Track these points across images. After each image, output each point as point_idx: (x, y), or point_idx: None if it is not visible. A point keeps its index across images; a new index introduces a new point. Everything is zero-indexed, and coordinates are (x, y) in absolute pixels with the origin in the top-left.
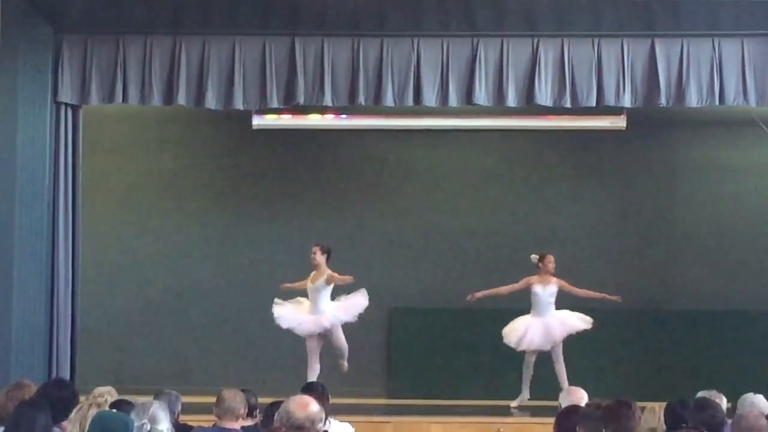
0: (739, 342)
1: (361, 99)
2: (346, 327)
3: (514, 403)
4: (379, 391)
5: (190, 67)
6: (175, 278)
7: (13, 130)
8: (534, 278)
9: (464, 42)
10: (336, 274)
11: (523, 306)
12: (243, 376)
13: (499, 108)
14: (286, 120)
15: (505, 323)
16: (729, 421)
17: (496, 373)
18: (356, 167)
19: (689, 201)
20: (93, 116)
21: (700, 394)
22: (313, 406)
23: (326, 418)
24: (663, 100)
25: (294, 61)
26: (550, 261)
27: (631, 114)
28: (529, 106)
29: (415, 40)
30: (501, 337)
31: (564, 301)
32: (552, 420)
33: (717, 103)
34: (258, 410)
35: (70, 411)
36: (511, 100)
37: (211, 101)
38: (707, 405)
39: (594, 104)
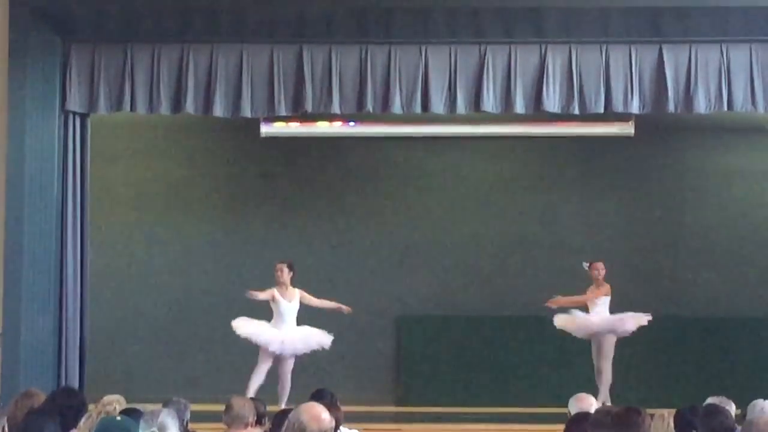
0: (749, 348)
1: (369, 106)
2: (355, 333)
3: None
4: (388, 399)
5: (197, 76)
6: (184, 286)
7: (22, 138)
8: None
9: (472, 49)
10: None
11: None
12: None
13: (507, 115)
14: (294, 128)
15: (513, 332)
16: (738, 428)
17: (505, 380)
18: (364, 175)
19: (698, 207)
20: (101, 125)
21: (709, 400)
22: (325, 416)
23: (337, 428)
24: (671, 107)
25: (302, 69)
26: (597, 267)
27: (640, 120)
28: (537, 113)
29: (423, 48)
30: (509, 344)
31: None
32: (560, 427)
33: (725, 109)
34: (267, 418)
35: (79, 419)
36: (519, 107)
37: (219, 109)
38: (716, 411)
39: (602, 111)
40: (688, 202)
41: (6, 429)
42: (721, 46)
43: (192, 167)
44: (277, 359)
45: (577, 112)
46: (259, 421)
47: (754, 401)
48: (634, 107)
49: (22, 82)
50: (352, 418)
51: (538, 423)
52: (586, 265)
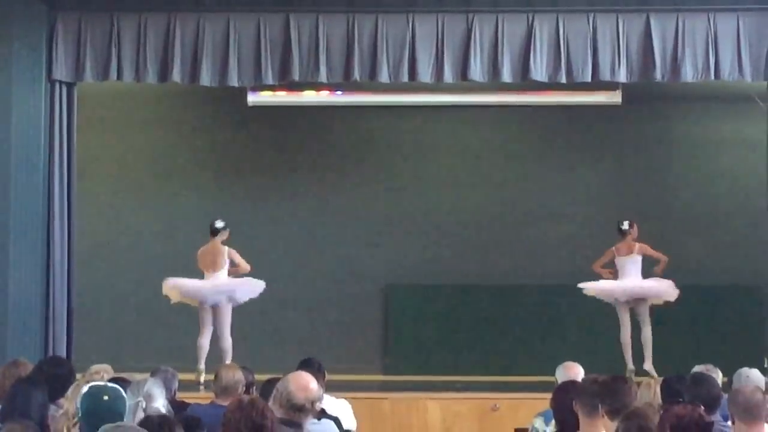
0: (735, 316)
1: (356, 75)
2: (342, 302)
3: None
4: (376, 368)
5: (184, 44)
6: (171, 256)
7: (8, 108)
8: (615, 247)
9: (459, 18)
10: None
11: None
12: (240, 352)
13: (494, 84)
14: (281, 97)
15: (500, 300)
16: (725, 395)
17: (492, 348)
18: (351, 144)
19: (684, 176)
20: (88, 94)
21: (696, 368)
22: (313, 386)
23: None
24: (658, 75)
25: (289, 38)
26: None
27: (627, 89)
28: (524, 81)
29: (410, 16)
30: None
31: None
32: (547, 395)
33: (712, 78)
34: (255, 387)
35: (67, 389)
36: (507, 75)
37: (206, 78)
38: (703, 379)
39: (589, 80)
40: (675, 171)
41: None
42: (708, 15)
43: (178, 136)
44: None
45: (564, 80)
46: (247, 390)
47: (740, 369)
48: (622, 76)
49: (8, 51)
50: (339, 387)
51: (525, 392)
52: (626, 224)
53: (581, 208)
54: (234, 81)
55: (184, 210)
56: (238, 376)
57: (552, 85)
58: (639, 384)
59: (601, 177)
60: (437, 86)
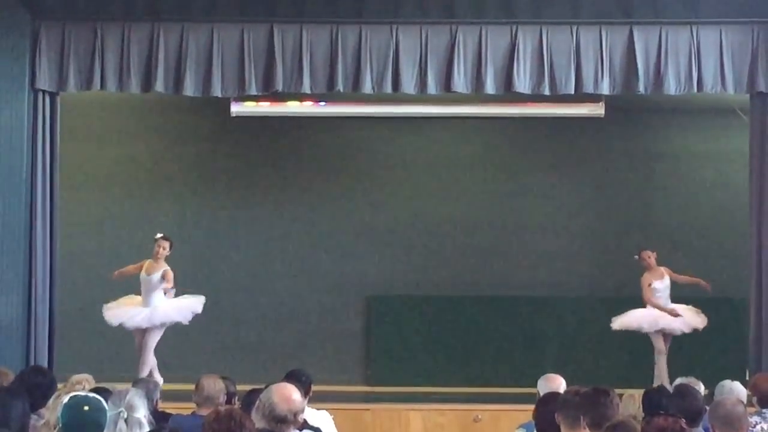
0: (717, 329)
1: (340, 86)
2: (324, 313)
3: None
4: (358, 379)
5: (168, 55)
6: None
7: None
8: (648, 276)
9: (443, 29)
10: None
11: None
12: (221, 363)
13: (477, 95)
14: (265, 107)
15: (483, 310)
16: (707, 408)
17: (474, 360)
18: (334, 154)
19: (667, 188)
20: (71, 103)
21: (678, 380)
22: (296, 397)
23: None
24: (641, 88)
25: (272, 49)
26: (648, 255)
27: (610, 101)
28: (507, 93)
29: (394, 28)
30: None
31: None
32: (529, 407)
33: (695, 90)
34: (237, 398)
35: (48, 398)
36: (490, 87)
37: (190, 88)
38: (686, 392)
39: (572, 92)
40: (657, 183)
41: None
42: (691, 28)
43: (162, 147)
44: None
45: (547, 92)
46: (229, 401)
47: (722, 382)
48: (605, 88)
49: None
50: (321, 398)
51: (507, 403)
52: (636, 257)
53: (564, 220)
54: (217, 91)
55: (167, 220)
56: (219, 386)
57: (535, 97)
58: (621, 396)
59: (584, 189)
60: (421, 97)
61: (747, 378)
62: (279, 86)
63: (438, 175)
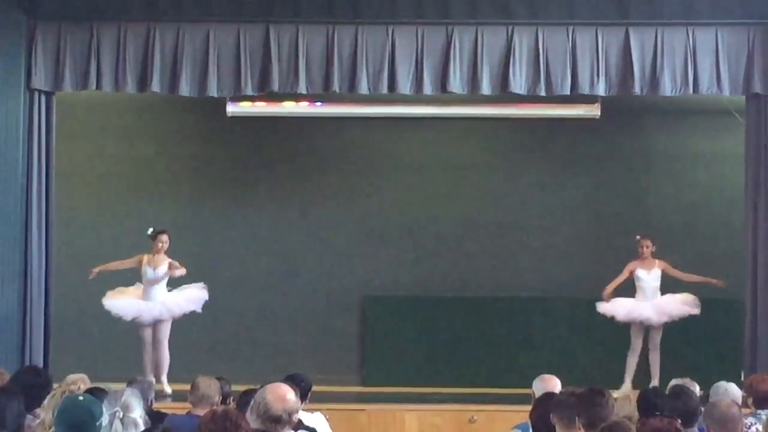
0: (713, 330)
1: (336, 86)
2: (320, 313)
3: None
4: (353, 379)
5: (164, 55)
6: None
7: None
8: (635, 263)
9: (439, 30)
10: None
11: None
12: (216, 363)
13: (473, 96)
14: (261, 107)
15: (477, 313)
16: (702, 409)
17: (470, 360)
18: (330, 155)
19: (663, 189)
20: (67, 103)
21: (673, 381)
22: (290, 397)
23: None
24: (637, 89)
25: (268, 49)
26: (645, 245)
27: (605, 102)
28: (503, 94)
29: (390, 28)
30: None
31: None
32: (524, 408)
33: (691, 91)
34: (232, 398)
35: (44, 398)
36: (486, 88)
37: (186, 88)
38: (682, 392)
39: (568, 92)
40: (653, 184)
41: None
42: (687, 29)
43: (158, 146)
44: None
45: (543, 93)
46: (224, 401)
47: (717, 383)
48: (601, 89)
49: None
50: (316, 399)
51: (502, 404)
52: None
53: (559, 220)
54: (213, 91)
55: (163, 220)
56: (215, 386)
57: (531, 98)
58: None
59: (580, 190)
60: (416, 98)
61: (742, 379)
62: (275, 86)
63: (433, 176)
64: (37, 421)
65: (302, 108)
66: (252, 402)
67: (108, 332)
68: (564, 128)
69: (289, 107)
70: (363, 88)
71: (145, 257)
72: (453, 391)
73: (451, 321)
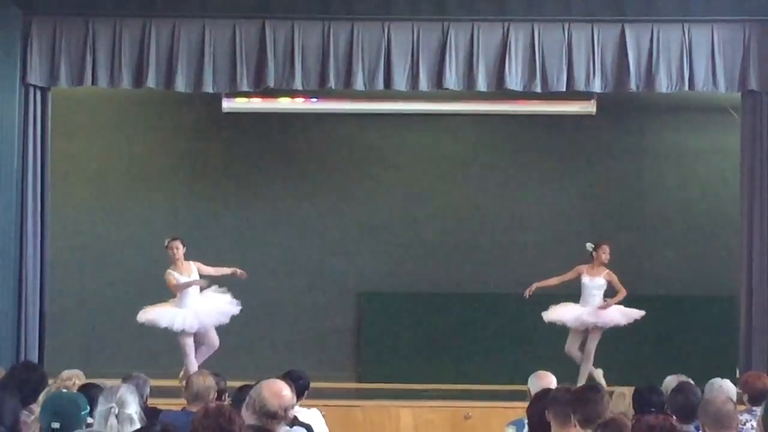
0: (708, 327)
1: (332, 83)
2: (315, 310)
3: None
4: (349, 376)
5: (159, 50)
6: (144, 262)
7: None
8: (584, 267)
9: (435, 26)
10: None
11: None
12: (212, 360)
13: (469, 92)
14: (256, 103)
15: (473, 309)
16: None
17: (465, 357)
18: (326, 151)
19: (658, 186)
20: (62, 99)
21: (668, 378)
22: (286, 393)
23: None
24: (633, 86)
25: (264, 45)
26: (604, 251)
27: (601, 99)
28: (499, 90)
29: (386, 24)
30: (469, 322)
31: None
32: (519, 404)
33: (686, 88)
34: (227, 394)
35: (39, 394)
36: (482, 84)
37: (181, 84)
38: (683, 389)
39: (564, 89)
40: (648, 181)
41: None
42: (683, 26)
43: (153, 142)
44: (196, 336)
45: (539, 90)
46: (219, 397)
47: (712, 380)
48: (596, 86)
49: None
50: (312, 395)
51: (498, 401)
52: (590, 246)
53: (555, 217)
54: (209, 87)
55: (158, 216)
56: (209, 382)
57: (527, 95)
58: (611, 393)
59: (575, 186)
60: (412, 94)
61: (737, 376)
62: (270, 82)
63: (429, 172)
64: (32, 417)
65: (298, 104)
66: (248, 398)
67: (103, 328)
68: (560, 125)
69: (284, 103)
70: (359, 84)
71: (172, 272)
72: (448, 388)
73: (447, 317)
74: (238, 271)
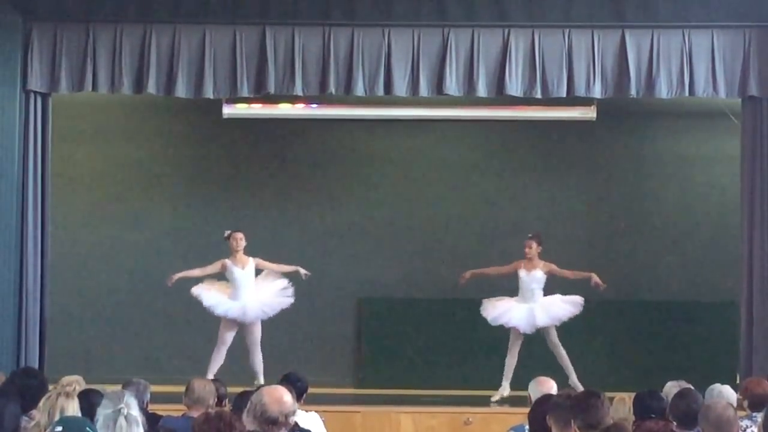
0: (708, 332)
1: (332, 88)
2: (316, 315)
3: (494, 397)
4: (349, 381)
5: (160, 56)
6: (144, 267)
7: None
8: (521, 262)
9: (435, 32)
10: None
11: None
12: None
13: (469, 98)
14: (257, 109)
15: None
16: None
17: (465, 362)
18: (326, 157)
19: (658, 191)
20: (63, 105)
21: (668, 384)
22: (287, 399)
23: None
24: (633, 91)
25: (264, 50)
26: (528, 245)
27: (601, 105)
28: (499, 96)
29: (386, 30)
30: (470, 327)
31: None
32: (520, 410)
33: (687, 94)
34: (227, 399)
35: (39, 400)
36: (482, 90)
37: (182, 90)
38: (686, 394)
39: (564, 95)
40: (649, 187)
41: None
42: (683, 32)
43: (154, 148)
44: (242, 328)
45: (539, 96)
46: (219, 403)
47: (712, 385)
48: (597, 92)
49: None
50: (312, 400)
51: (498, 406)
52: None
53: (555, 223)
54: (209, 93)
55: (159, 221)
56: (210, 388)
57: (527, 100)
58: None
59: (576, 192)
60: (413, 100)
61: (737, 382)
62: (271, 88)
63: (430, 178)
64: (33, 422)
65: (298, 110)
66: (248, 404)
67: (103, 334)
68: (560, 131)
69: (285, 109)
70: (359, 90)
71: (228, 261)
72: (449, 393)
73: (447, 323)
74: (302, 270)
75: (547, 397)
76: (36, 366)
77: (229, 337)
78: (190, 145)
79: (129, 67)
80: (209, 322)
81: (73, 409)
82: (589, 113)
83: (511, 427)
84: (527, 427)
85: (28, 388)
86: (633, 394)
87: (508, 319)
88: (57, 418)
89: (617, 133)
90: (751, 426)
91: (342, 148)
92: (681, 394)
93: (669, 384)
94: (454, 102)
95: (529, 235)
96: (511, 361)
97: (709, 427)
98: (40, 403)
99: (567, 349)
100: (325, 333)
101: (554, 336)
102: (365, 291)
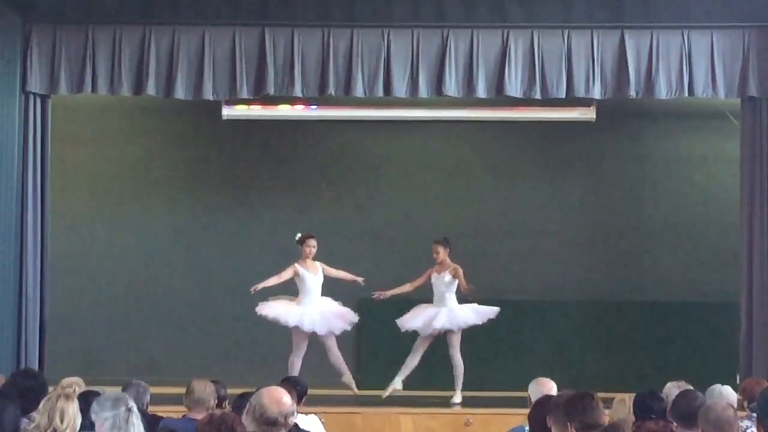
0: (708, 333)
1: (331, 90)
2: None
3: (385, 393)
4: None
5: (159, 57)
6: (144, 269)
7: None
8: (433, 268)
9: (434, 33)
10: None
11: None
12: (212, 366)
13: (469, 99)
14: (256, 110)
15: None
16: None
17: (465, 363)
18: (326, 158)
19: (658, 192)
20: (62, 106)
21: (668, 384)
22: (286, 400)
23: None
24: (632, 92)
25: (264, 52)
26: (435, 251)
27: (601, 105)
28: (499, 97)
29: (386, 31)
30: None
31: None
32: (519, 411)
33: (686, 94)
34: (227, 401)
35: (39, 401)
36: (481, 91)
37: (181, 91)
38: (686, 395)
39: (564, 95)
40: (648, 188)
41: None
42: (682, 32)
43: (153, 150)
44: (316, 337)
45: (538, 96)
46: (219, 404)
47: (712, 386)
48: (596, 92)
49: None
50: (312, 402)
51: (497, 407)
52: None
53: (555, 224)
54: (209, 94)
55: (158, 223)
56: (210, 389)
57: (526, 101)
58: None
59: (575, 193)
60: (412, 101)
61: (738, 382)
62: (270, 89)
63: (429, 179)
64: (33, 424)
65: (298, 111)
66: (248, 405)
67: (103, 336)
68: (559, 131)
69: (284, 110)
70: (358, 91)
71: (298, 266)
72: (449, 395)
73: None
74: (359, 279)
75: (547, 398)
76: (36, 367)
77: (304, 344)
78: (189, 147)
79: (128, 69)
80: (210, 323)
81: (73, 410)
82: (589, 114)
83: (510, 428)
84: (527, 428)
85: (28, 389)
86: (633, 395)
87: (411, 324)
88: (57, 419)
89: (617, 133)
90: (751, 426)
91: (341, 150)
92: (681, 395)
93: (669, 384)
94: (453, 103)
95: (435, 240)
96: (411, 362)
97: (709, 428)
98: (40, 405)
99: (567, 348)
100: None
101: (456, 342)
102: (365, 292)
